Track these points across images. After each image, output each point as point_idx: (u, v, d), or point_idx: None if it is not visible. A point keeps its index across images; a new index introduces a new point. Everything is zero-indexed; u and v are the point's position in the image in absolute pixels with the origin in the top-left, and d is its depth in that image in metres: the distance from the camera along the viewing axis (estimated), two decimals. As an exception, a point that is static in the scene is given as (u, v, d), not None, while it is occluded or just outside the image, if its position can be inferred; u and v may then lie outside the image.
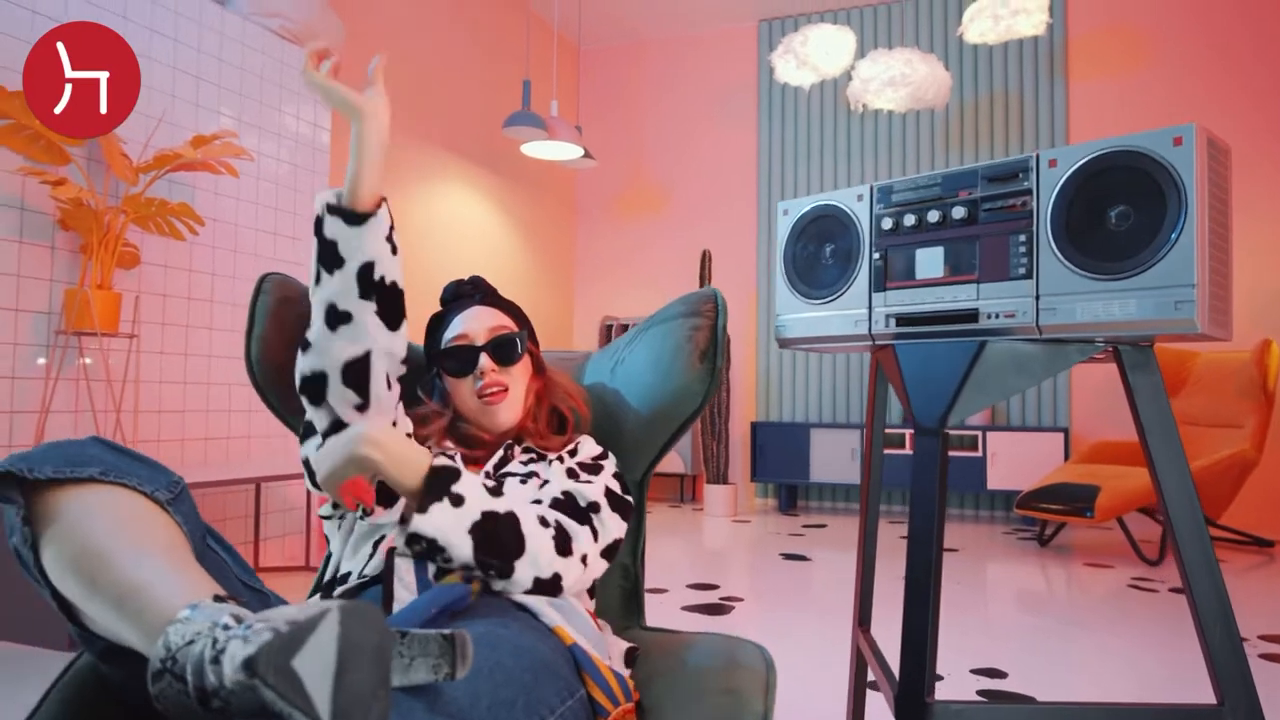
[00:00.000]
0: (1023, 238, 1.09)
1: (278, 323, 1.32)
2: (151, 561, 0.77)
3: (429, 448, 1.21)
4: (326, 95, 1.09)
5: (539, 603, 1.02)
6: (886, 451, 5.30)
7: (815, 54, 4.69)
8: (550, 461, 1.24)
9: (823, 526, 4.98)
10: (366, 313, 1.10)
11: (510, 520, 1.01)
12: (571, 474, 1.19)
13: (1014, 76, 5.42)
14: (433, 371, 1.33)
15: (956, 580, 3.47)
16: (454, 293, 1.36)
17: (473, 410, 1.27)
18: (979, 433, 5.07)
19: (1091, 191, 1.04)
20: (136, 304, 2.91)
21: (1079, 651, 2.51)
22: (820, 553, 4.10)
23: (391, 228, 1.15)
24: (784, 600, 3.12)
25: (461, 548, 0.97)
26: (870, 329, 1.24)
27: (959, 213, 1.14)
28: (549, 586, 1.03)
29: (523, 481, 1.19)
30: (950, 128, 5.54)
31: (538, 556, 1.02)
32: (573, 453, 1.26)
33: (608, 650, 1.09)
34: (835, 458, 5.45)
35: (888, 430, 5.30)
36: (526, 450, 1.28)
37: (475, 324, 1.28)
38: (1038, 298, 1.07)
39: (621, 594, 1.35)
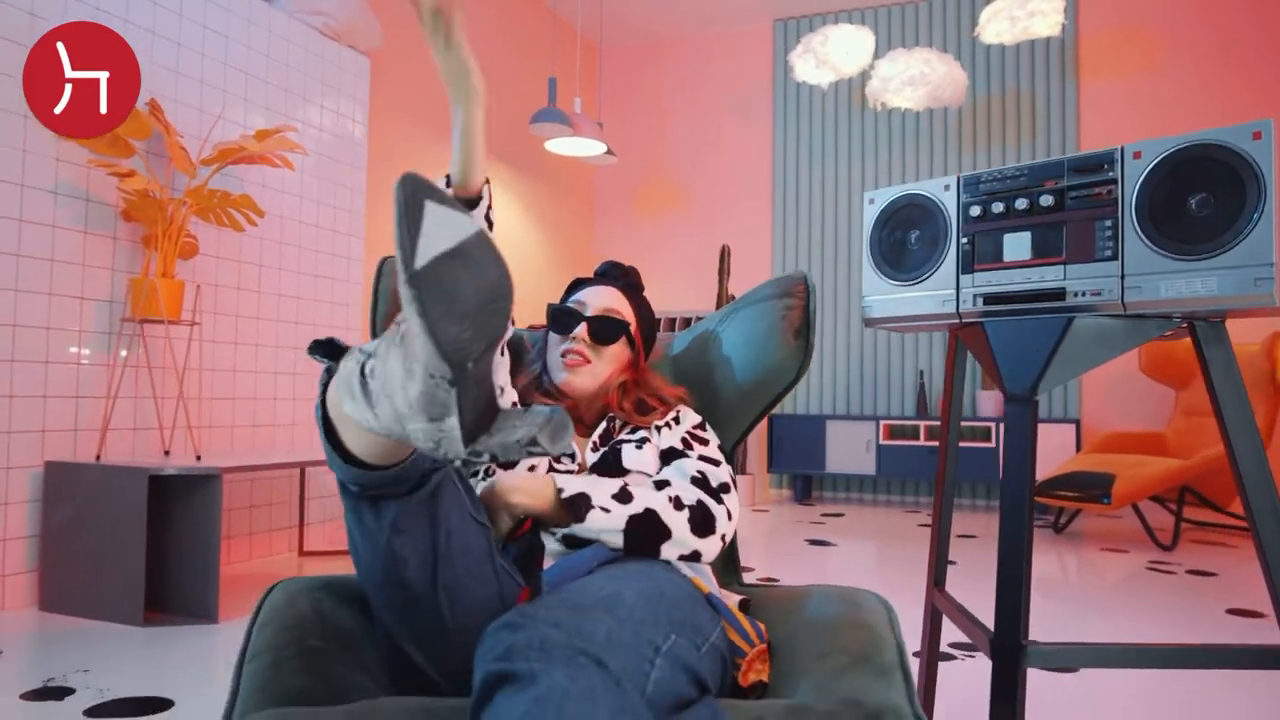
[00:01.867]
0: (1108, 222, 1.19)
1: (399, 303, 1.42)
2: None
3: (521, 404, 1.34)
4: (452, 64, 1.10)
5: (674, 558, 1.13)
6: (898, 443, 5.42)
7: (835, 53, 4.80)
8: (660, 429, 1.34)
9: (840, 515, 5.09)
10: None
11: (650, 516, 1.12)
12: (685, 443, 1.29)
13: (1025, 76, 5.54)
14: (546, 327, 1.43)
15: (976, 566, 3.59)
16: (605, 270, 1.45)
17: (553, 365, 1.37)
18: (991, 424, 5.19)
19: (1174, 180, 1.15)
20: (198, 293, 3.00)
21: (1100, 633, 2.62)
22: (843, 539, 4.21)
23: (490, 205, 1.21)
24: (819, 580, 3.23)
25: (615, 542, 1.10)
26: (958, 308, 1.34)
27: (1046, 200, 1.25)
28: (689, 558, 1.15)
29: (638, 447, 1.29)
30: (964, 126, 5.66)
31: (681, 538, 1.13)
32: (677, 420, 1.36)
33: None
34: (850, 449, 5.56)
35: (899, 422, 5.42)
36: (623, 425, 1.37)
37: (596, 298, 1.38)
38: (1123, 277, 1.18)
39: (721, 557, 1.46)
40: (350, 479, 0.85)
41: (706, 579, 1.15)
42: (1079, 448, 5.01)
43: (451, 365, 0.66)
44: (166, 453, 2.96)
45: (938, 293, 1.37)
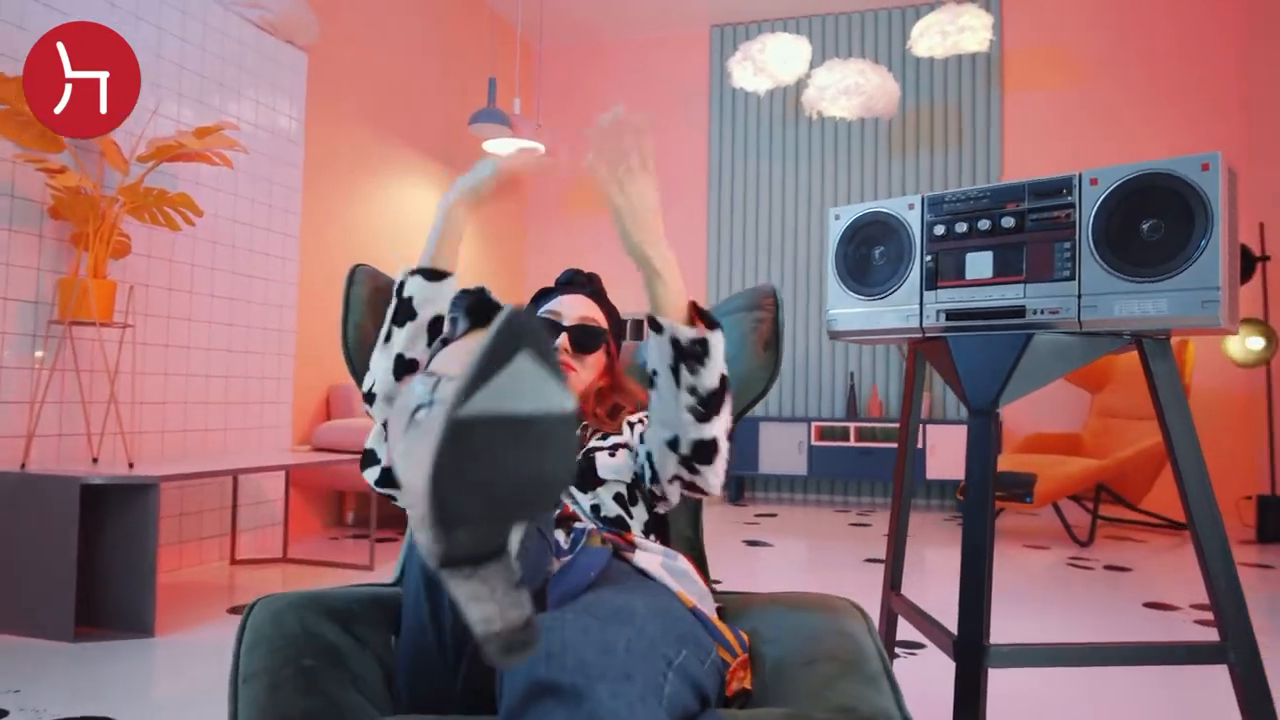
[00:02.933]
0: (1067, 244, 1.26)
1: (374, 311, 1.40)
2: None
3: None
4: (477, 186, 1.24)
5: (657, 569, 1.15)
6: (829, 444, 5.54)
7: (773, 61, 4.89)
8: (633, 426, 1.35)
9: (774, 516, 5.19)
10: None
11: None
12: None
13: (954, 89, 5.73)
14: None
15: (910, 564, 3.71)
16: (569, 278, 1.46)
17: None
18: (919, 425, 5.35)
19: (1128, 206, 1.22)
20: (130, 294, 2.89)
21: (1028, 627, 2.74)
22: (778, 539, 4.29)
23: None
24: (760, 583, 3.29)
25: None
26: (921, 323, 1.40)
27: (1008, 221, 1.31)
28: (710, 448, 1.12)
29: (611, 454, 1.31)
30: (894, 136, 5.82)
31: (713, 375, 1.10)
32: (642, 421, 1.38)
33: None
34: (783, 450, 5.66)
35: (829, 423, 5.54)
36: (594, 432, 1.39)
37: (570, 308, 1.39)
38: (1080, 296, 1.25)
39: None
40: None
41: (689, 588, 1.17)
42: (999, 449, 5.21)
43: (438, 527, 0.55)
44: (95, 460, 2.85)
45: (901, 307, 1.42)
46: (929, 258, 1.39)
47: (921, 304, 1.40)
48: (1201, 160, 1.16)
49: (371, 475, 1.22)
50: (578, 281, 1.48)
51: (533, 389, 0.55)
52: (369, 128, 4.67)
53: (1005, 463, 4.56)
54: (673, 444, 1.12)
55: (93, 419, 2.87)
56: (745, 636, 1.15)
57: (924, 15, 5.10)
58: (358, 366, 1.41)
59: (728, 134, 6.20)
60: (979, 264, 1.34)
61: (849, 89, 4.75)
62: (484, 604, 0.56)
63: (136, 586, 2.45)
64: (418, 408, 0.62)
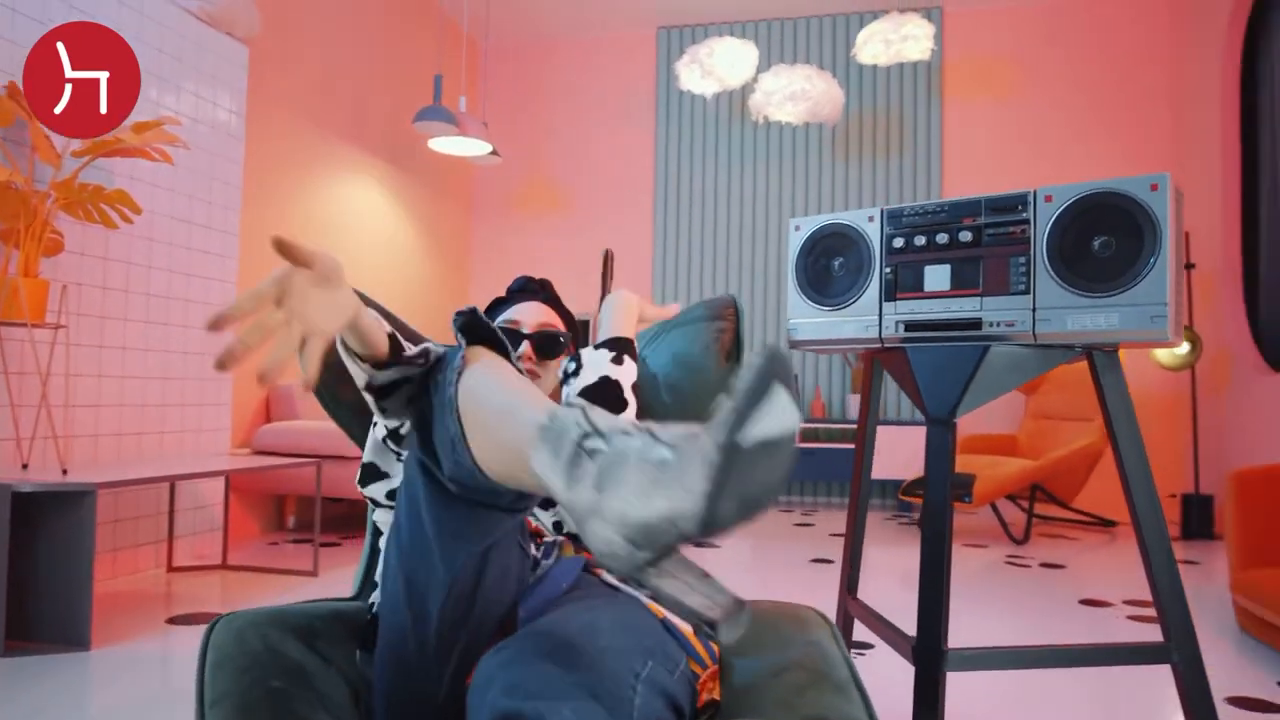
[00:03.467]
0: (1022, 259, 1.30)
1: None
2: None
3: None
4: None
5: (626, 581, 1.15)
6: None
7: (720, 65, 4.92)
8: None
9: (720, 516, 5.22)
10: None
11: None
12: None
13: (895, 96, 5.84)
14: None
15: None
16: (522, 286, 1.45)
17: None
18: (875, 433, 5.44)
19: (1081, 223, 1.26)
20: (63, 293, 2.79)
21: (970, 625, 2.82)
22: (725, 540, 4.33)
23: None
24: (709, 584, 3.31)
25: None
26: (880, 333, 1.42)
27: (965, 236, 1.35)
28: None
29: None
30: (837, 141, 5.91)
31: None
32: None
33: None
34: (728, 451, 5.70)
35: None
36: None
37: (529, 315, 1.38)
38: (1035, 310, 1.28)
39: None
40: (466, 477, 0.83)
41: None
42: (940, 448, 5.33)
43: (699, 534, 0.64)
44: (25, 466, 2.74)
45: (861, 318, 1.44)
46: (888, 270, 1.42)
47: (881, 315, 1.43)
48: (1150, 181, 1.21)
49: (378, 491, 1.20)
50: (531, 289, 1.47)
51: (784, 414, 0.65)
52: (312, 123, 4.58)
53: (945, 463, 4.66)
54: None
55: (23, 423, 2.76)
56: (715, 647, 1.16)
57: (868, 23, 5.20)
58: (321, 389, 1.38)
59: (674, 135, 6.22)
60: (937, 276, 1.37)
61: (795, 94, 4.81)
62: (692, 595, 0.65)
63: (71, 598, 2.36)
64: (584, 436, 0.70)
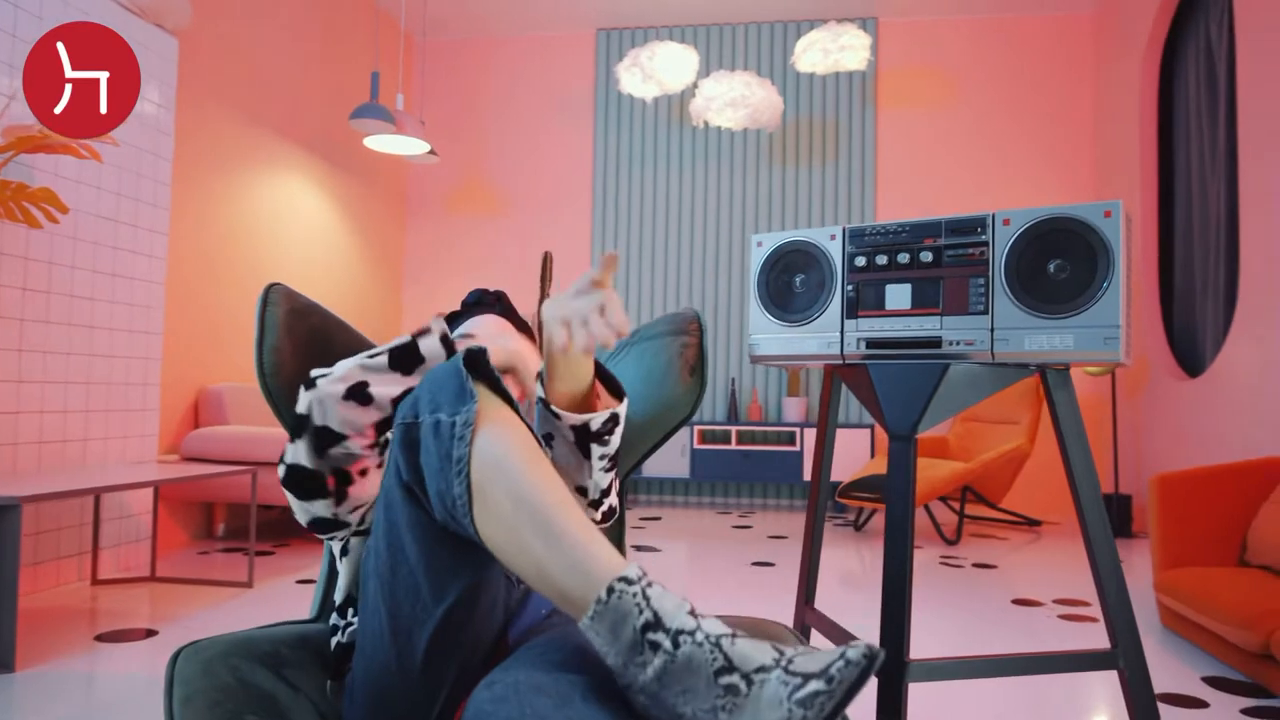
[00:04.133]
0: (981, 280, 1.33)
1: (290, 335, 1.34)
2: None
3: None
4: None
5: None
6: (710, 447, 5.66)
7: (661, 69, 4.94)
8: None
9: (658, 519, 5.25)
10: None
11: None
12: None
13: (832, 104, 5.94)
14: None
15: (787, 564, 3.83)
16: (476, 299, 1.43)
17: None
18: (796, 429, 5.53)
19: (1037, 247, 1.30)
20: (-22, 296, 2.65)
21: (913, 625, 2.89)
22: (665, 543, 4.35)
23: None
24: (654, 589, 3.32)
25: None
26: (842, 350, 1.45)
27: (926, 256, 1.38)
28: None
29: None
30: (774, 147, 5.99)
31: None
32: None
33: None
34: (665, 453, 5.73)
35: (710, 427, 5.66)
36: None
37: (484, 329, 1.37)
38: (993, 330, 1.32)
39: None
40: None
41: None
42: (873, 452, 5.45)
43: None
44: (-62, 477, 2.60)
45: (823, 334, 1.47)
46: (850, 287, 1.45)
47: (843, 332, 1.45)
48: (1104, 207, 1.26)
49: (338, 536, 1.14)
50: (486, 301, 1.46)
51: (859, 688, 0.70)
52: (244, 119, 4.44)
53: (879, 466, 4.77)
54: (580, 491, 1.16)
55: (-64, 432, 2.61)
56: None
57: (806, 32, 5.28)
58: (274, 393, 1.34)
59: (613, 138, 6.22)
60: (898, 295, 1.41)
61: (735, 100, 4.85)
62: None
63: (-7, 617, 2.25)
64: (647, 626, 0.74)
